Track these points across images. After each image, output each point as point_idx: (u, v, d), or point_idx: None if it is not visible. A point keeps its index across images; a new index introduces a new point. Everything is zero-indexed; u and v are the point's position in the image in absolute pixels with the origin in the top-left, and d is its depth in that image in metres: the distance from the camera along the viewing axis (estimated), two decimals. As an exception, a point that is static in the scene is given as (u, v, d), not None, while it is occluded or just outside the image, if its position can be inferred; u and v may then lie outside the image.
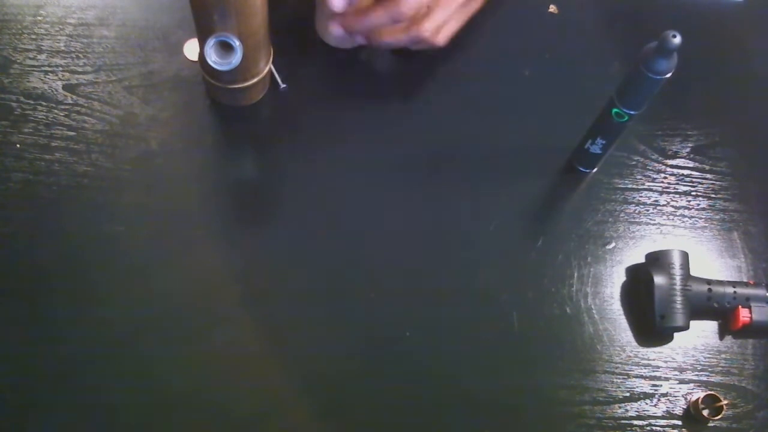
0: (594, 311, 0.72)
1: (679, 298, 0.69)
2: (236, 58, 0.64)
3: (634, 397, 0.69)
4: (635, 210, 0.76)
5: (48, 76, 0.76)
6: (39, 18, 0.78)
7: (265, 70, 0.72)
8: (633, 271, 0.73)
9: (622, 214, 0.76)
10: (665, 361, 0.71)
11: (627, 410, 0.69)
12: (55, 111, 0.74)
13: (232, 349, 0.67)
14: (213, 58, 0.64)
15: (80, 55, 0.77)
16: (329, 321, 0.69)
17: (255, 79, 0.71)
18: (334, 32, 0.74)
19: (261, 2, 0.64)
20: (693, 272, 0.71)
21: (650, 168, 0.78)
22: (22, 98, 0.74)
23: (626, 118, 0.67)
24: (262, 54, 0.70)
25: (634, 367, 0.70)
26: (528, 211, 0.75)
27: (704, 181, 0.78)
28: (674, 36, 0.58)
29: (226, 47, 0.64)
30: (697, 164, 0.79)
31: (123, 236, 0.70)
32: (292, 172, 0.74)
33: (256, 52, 0.69)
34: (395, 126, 0.78)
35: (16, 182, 0.71)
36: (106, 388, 0.65)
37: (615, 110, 0.66)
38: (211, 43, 0.64)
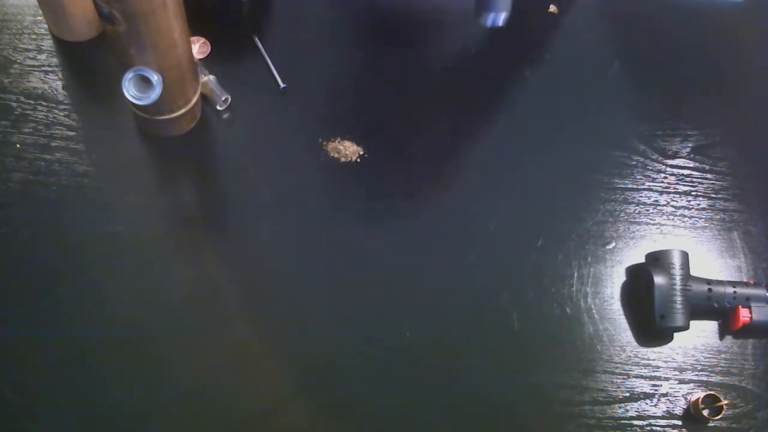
0: (594, 311, 0.72)
1: (679, 298, 0.69)
2: (155, 93, 0.63)
3: (634, 397, 0.69)
4: (635, 210, 0.76)
5: (48, 76, 0.76)
6: (39, 18, 0.78)
7: (194, 101, 0.71)
8: (633, 271, 0.73)
9: (622, 214, 0.76)
10: (665, 361, 0.71)
11: (627, 410, 0.69)
12: (55, 111, 0.74)
13: (232, 348, 0.67)
14: (132, 93, 0.63)
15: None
16: (330, 321, 0.69)
17: (183, 110, 0.70)
18: None
19: (179, 35, 0.63)
20: (693, 272, 0.71)
21: (650, 168, 0.78)
22: (22, 98, 0.74)
23: None
24: (188, 85, 0.69)
25: (634, 367, 0.70)
26: (528, 211, 0.75)
27: (704, 181, 0.78)
28: None
29: (146, 81, 0.63)
30: (697, 164, 0.79)
31: (123, 236, 0.70)
32: (289, 174, 0.74)
33: (181, 84, 0.68)
34: (395, 126, 0.78)
35: (16, 182, 0.71)
36: (106, 387, 0.65)
37: None
38: (128, 77, 0.63)
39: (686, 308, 0.69)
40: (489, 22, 0.58)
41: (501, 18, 0.58)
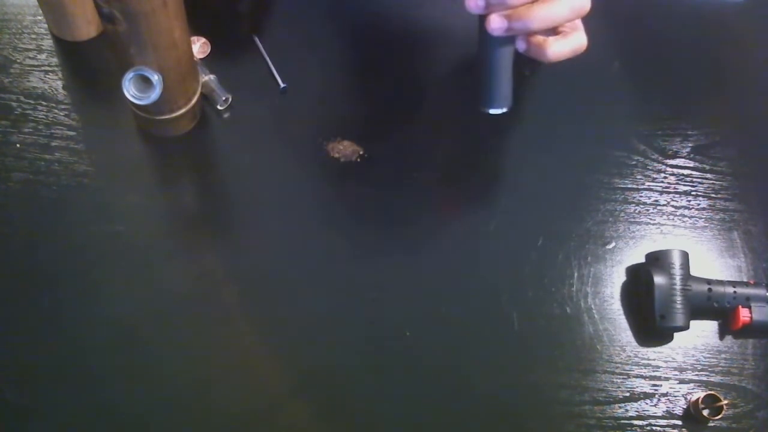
0: (594, 311, 0.72)
1: (679, 298, 0.69)
2: (155, 92, 0.63)
3: (634, 397, 0.69)
4: (635, 210, 0.76)
5: (48, 76, 0.76)
6: (39, 18, 0.78)
7: (194, 100, 0.71)
8: (633, 271, 0.73)
9: (622, 214, 0.76)
10: (665, 361, 0.71)
11: (627, 410, 0.69)
12: (55, 111, 0.74)
13: (231, 348, 0.67)
14: (132, 92, 0.63)
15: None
16: (329, 321, 0.69)
17: (183, 110, 0.70)
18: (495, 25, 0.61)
19: (180, 35, 0.63)
20: (693, 272, 0.71)
21: (650, 168, 0.78)
22: (22, 98, 0.74)
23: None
24: (188, 84, 0.69)
25: (634, 367, 0.70)
26: (528, 211, 0.75)
27: (704, 180, 0.78)
28: None
29: (146, 81, 0.64)
30: (697, 164, 0.79)
31: (123, 236, 0.70)
32: (289, 174, 0.74)
33: (182, 84, 0.68)
34: (395, 126, 0.78)
35: (16, 182, 0.71)
36: (106, 387, 0.65)
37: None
38: (129, 77, 0.63)
39: (686, 308, 0.69)
40: (491, 112, 0.65)
41: (501, 111, 0.65)
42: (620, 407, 0.69)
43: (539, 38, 0.62)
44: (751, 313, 0.70)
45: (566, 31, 0.64)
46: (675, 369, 0.70)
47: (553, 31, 0.64)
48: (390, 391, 0.67)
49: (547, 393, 0.69)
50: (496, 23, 0.60)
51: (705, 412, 0.68)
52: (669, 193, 0.77)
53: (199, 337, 0.67)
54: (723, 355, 0.71)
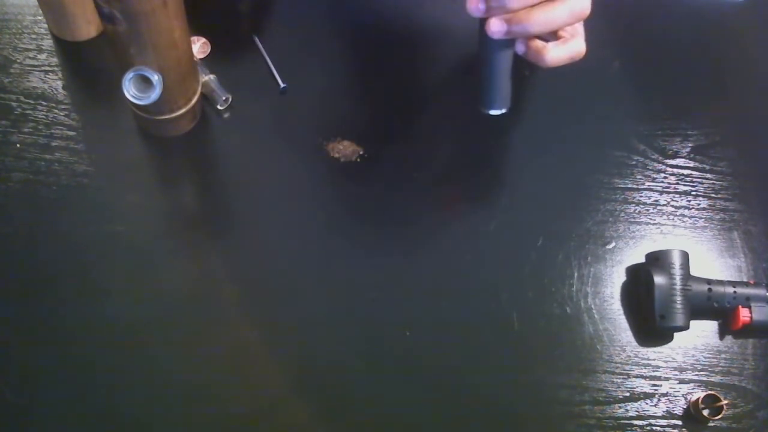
0: (594, 311, 0.72)
1: (679, 298, 0.69)
2: (155, 92, 0.63)
3: (634, 397, 0.69)
4: (635, 210, 0.76)
5: (48, 76, 0.76)
6: (39, 18, 0.78)
7: (194, 100, 0.71)
8: (633, 271, 0.73)
9: (622, 214, 0.76)
10: (665, 361, 0.71)
11: (627, 410, 0.69)
12: (55, 111, 0.74)
13: (232, 348, 0.67)
14: (132, 92, 0.64)
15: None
16: (329, 321, 0.69)
17: (183, 110, 0.70)
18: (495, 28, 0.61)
19: (180, 35, 0.63)
20: (693, 272, 0.71)
21: (650, 168, 0.78)
22: (22, 98, 0.74)
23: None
24: (189, 84, 0.69)
25: (634, 367, 0.70)
26: (528, 211, 0.75)
27: (704, 181, 0.78)
28: None
29: (146, 81, 0.64)
30: (697, 164, 0.79)
31: (123, 236, 0.70)
32: (289, 174, 0.74)
33: (182, 84, 0.68)
34: (395, 126, 0.78)
35: (16, 182, 0.71)
36: (106, 387, 0.65)
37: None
38: (129, 77, 0.63)
39: (686, 308, 0.69)
40: (491, 113, 0.66)
41: (500, 112, 0.66)
42: (620, 407, 0.69)
43: (538, 44, 0.62)
44: (751, 313, 0.70)
45: (566, 36, 0.64)
46: (675, 369, 0.70)
47: (554, 35, 0.64)
48: (390, 391, 0.67)
49: (547, 393, 0.69)
50: (495, 27, 0.60)
51: (705, 412, 0.68)
52: (669, 193, 0.77)
53: (199, 337, 0.67)
54: (723, 355, 0.71)
